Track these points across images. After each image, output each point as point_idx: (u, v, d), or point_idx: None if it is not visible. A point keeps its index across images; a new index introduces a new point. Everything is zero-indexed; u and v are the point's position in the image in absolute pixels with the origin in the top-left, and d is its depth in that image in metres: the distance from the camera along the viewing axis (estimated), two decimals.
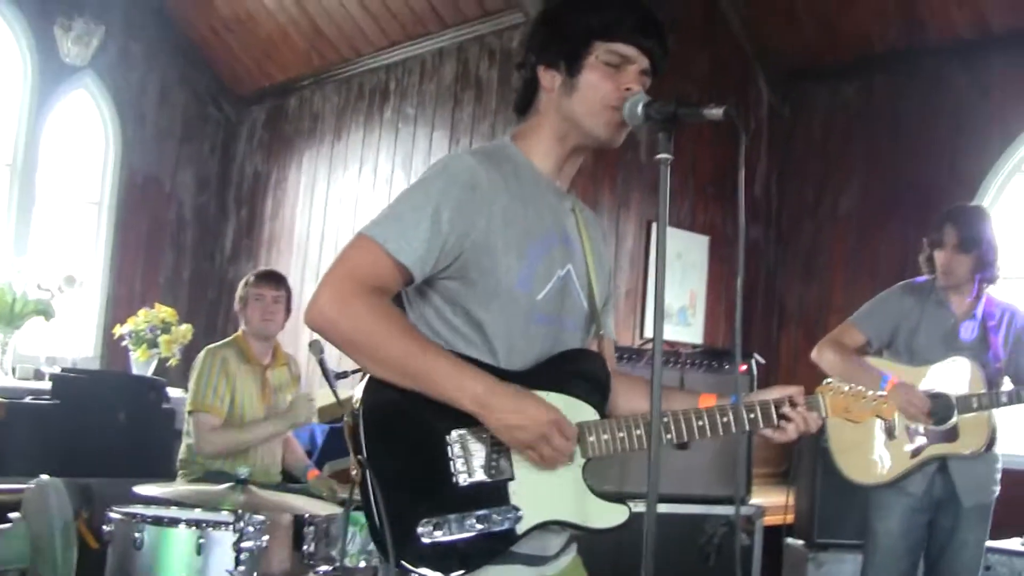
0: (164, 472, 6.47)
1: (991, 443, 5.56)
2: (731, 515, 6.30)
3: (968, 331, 5.65)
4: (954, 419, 5.43)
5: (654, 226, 8.86)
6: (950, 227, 5.59)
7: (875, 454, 5.63)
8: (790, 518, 7.39)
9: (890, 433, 5.58)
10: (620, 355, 5.88)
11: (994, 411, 5.52)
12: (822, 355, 5.72)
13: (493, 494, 2.68)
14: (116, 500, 4.99)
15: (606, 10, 2.90)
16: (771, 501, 7.20)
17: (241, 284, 6.53)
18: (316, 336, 2.91)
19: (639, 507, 2.64)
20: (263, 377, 6.38)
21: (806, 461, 7.32)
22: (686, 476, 6.22)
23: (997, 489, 5.62)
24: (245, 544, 4.61)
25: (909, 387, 5.40)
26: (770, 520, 7.05)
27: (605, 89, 2.84)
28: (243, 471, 4.76)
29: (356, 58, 10.45)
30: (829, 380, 3.17)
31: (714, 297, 9.49)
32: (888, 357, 5.79)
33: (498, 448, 2.71)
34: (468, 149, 2.85)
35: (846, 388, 3.12)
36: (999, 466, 5.65)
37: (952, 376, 5.53)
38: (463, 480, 2.67)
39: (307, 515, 5.01)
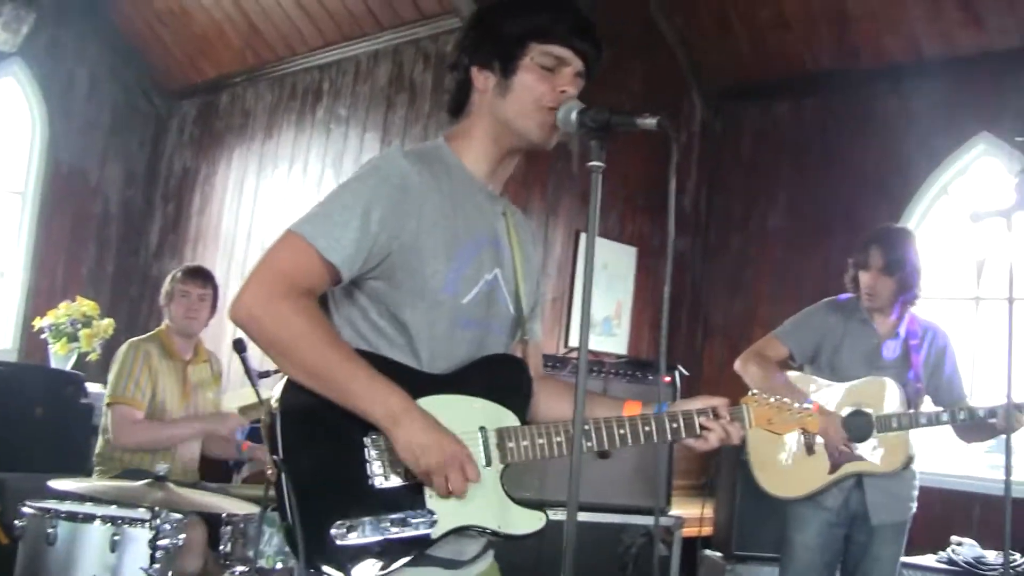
0: (81, 468, 6.40)
1: (908, 461, 5.57)
2: (650, 525, 6.31)
3: (891, 350, 5.68)
4: (873, 437, 5.45)
5: (583, 235, 8.89)
6: (875, 249, 5.61)
7: (794, 469, 5.64)
8: (708, 530, 7.43)
9: (809, 449, 5.58)
10: (544, 363, 5.87)
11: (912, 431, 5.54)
12: (745, 367, 5.70)
13: (409, 498, 2.66)
14: (30, 495, 4.91)
15: (541, 12, 2.90)
16: (690, 512, 7.23)
17: (168, 279, 6.47)
18: (240, 334, 2.88)
19: (559, 515, 2.64)
20: (184, 373, 6.32)
21: (725, 473, 7.37)
22: (606, 485, 6.23)
23: (914, 506, 5.64)
24: (161, 542, 4.55)
25: (830, 416, 5.45)
26: (688, 531, 7.09)
27: (540, 90, 2.84)
28: (162, 468, 4.71)
29: (291, 57, 10.42)
30: (754, 392, 3.18)
31: (640, 308, 9.51)
32: (810, 372, 5.80)
33: None
34: (400, 149, 2.82)
35: (771, 400, 3.13)
36: (916, 483, 5.67)
37: (873, 394, 5.55)
38: (379, 483, 2.64)
39: (224, 514, 4.97)
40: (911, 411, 5.48)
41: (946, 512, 7.63)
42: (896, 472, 5.53)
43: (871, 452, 5.51)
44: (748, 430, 3.06)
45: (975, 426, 5.44)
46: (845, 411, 5.54)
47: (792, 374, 5.82)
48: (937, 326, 5.83)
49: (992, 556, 6.67)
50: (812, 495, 5.57)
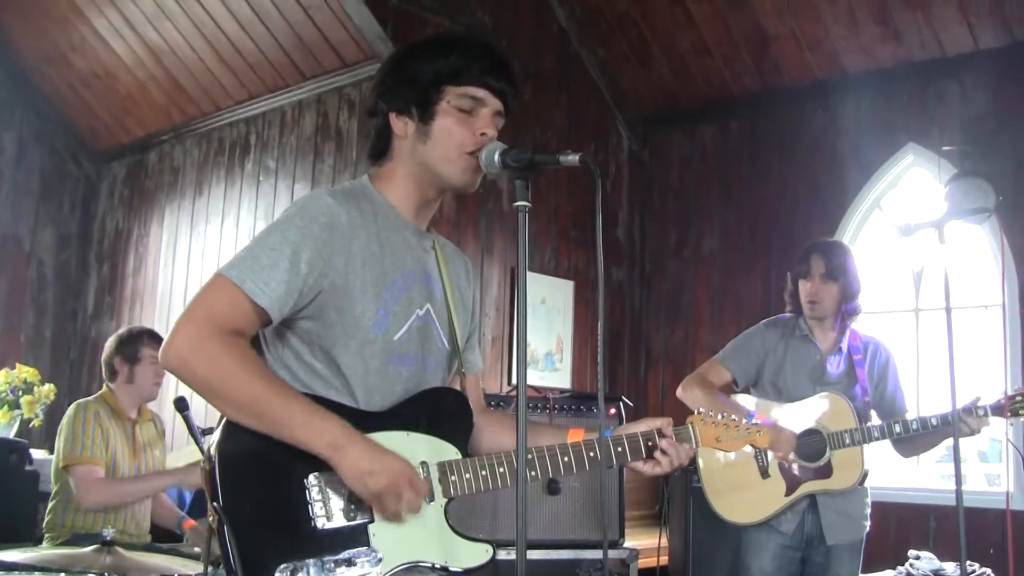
0: (29, 536, 6.32)
1: (863, 477, 5.48)
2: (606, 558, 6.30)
3: (835, 365, 5.64)
4: (827, 455, 5.37)
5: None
6: (816, 257, 5.59)
7: (750, 493, 5.50)
8: (664, 559, 7.42)
9: (764, 472, 5.47)
10: (487, 402, 5.85)
11: (865, 446, 5.44)
12: (688, 392, 5.61)
13: (352, 537, 2.66)
14: None
15: (454, 54, 2.90)
16: (645, 543, 7.21)
17: (125, 341, 6.34)
18: (182, 392, 2.88)
19: (511, 555, 2.64)
20: (132, 432, 6.26)
21: (677, 501, 7.35)
22: (558, 521, 6.20)
23: (867, 524, 5.60)
24: None
25: (775, 425, 5.32)
26: (644, 563, 7.07)
27: (460, 135, 2.85)
28: (108, 532, 4.66)
29: (216, 112, 10.41)
30: (700, 410, 3.18)
31: (580, 341, 9.52)
32: (755, 395, 5.75)
33: None
34: (326, 190, 2.83)
35: (718, 417, 3.14)
36: (868, 500, 5.63)
37: (823, 411, 5.46)
38: (321, 524, 2.64)
39: (174, 575, 4.93)
40: (863, 426, 5.40)
41: (902, 526, 7.68)
42: (852, 488, 5.43)
43: (827, 470, 5.42)
44: (697, 448, 3.07)
45: (921, 436, 5.38)
46: (798, 430, 5.43)
47: (744, 397, 5.76)
48: (879, 341, 5.82)
49: (951, 568, 6.71)
50: (769, 519, 5.46)
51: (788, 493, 5.43)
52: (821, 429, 5.41)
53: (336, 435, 2.60)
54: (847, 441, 5.34)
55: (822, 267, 5.57)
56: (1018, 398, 5.23)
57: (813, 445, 5.39)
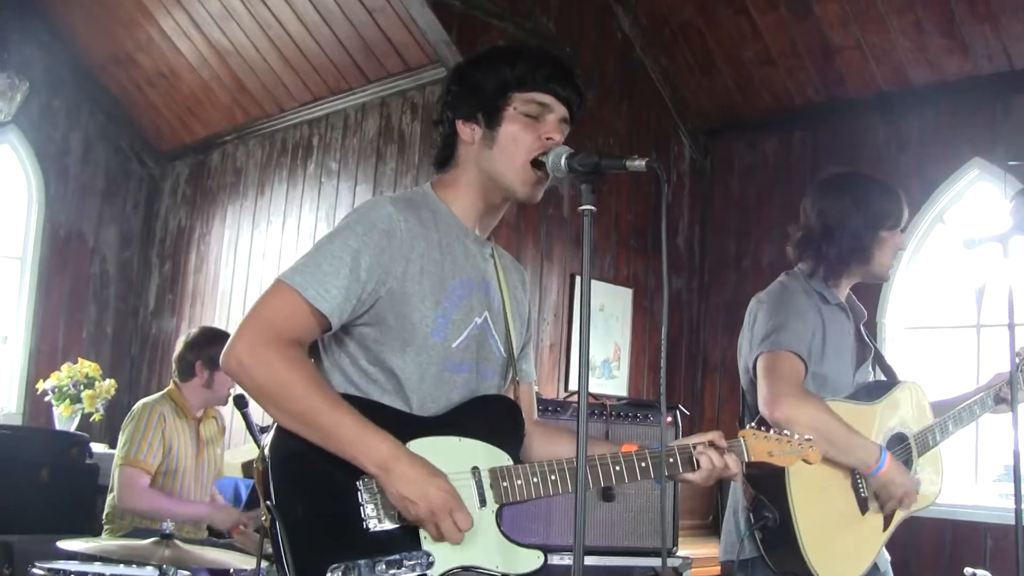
0: (88, 529, 6.38)
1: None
2: (657, 567, 6.29)
3: (862, 344, 4.46)
4: (915, 466, 4.27)
5: (578, 278, 8.90)
6: (905, 204, 4.45)
7: (850, 538, 4.12)
8: (717, 569, 7.40)
9: (863, 506, 4.11)
10: (544, 408, 5.86)
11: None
12: (803, 411, 3.88)
13: (404, 540, 2.68)
14: (39, 557, 4.91)
15: (521, 61, 2.94)
16: (698, 552, 7.20)
17: (204, 345, 6.26)
18: (241, 390, 2.90)
19: (565, 560, 2.64)
20: (196, 431, 6.30)
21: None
22: (612, 528, 6.20)
23: None
24: None
25: (901, 467, 4.12)
26: (697, 572, 7.06)
27: (526, 140, 2.88)
28: (167, 525, 4.72)
29: (279, 113, 10.48)
30: (751, 424, 3.18)
31: (638, 349, 9.50)
32: None
33: None
34: (387, 197, 2.86)
35: (769, 432, 3.14)
36: None
37: (903, 409, 4.35)
38: (373, 525, 2.66)
39: (231, 570, 4.98)
40: (939, 419, 4.38)
41: (957, 543, 7.62)
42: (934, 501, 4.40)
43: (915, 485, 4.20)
44: (788, 480, 3.05)
45: None
46: (882, 439, 4.20)
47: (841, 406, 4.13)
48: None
49: None
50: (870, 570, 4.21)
51: (885, 527, 4.24)
52: (907, 433, 4.31)
53: (384, 456, 2.62)
54: (930, 443, 4.34)
55: (906, 217, 4.48)
56: None
57: (900, 455, 4.23)
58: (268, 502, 2.61)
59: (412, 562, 2.66)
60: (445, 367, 2.86)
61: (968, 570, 6.48)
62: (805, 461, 3.26)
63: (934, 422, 4.37)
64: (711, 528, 8.38)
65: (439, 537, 2.67)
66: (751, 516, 4.01)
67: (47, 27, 11.21)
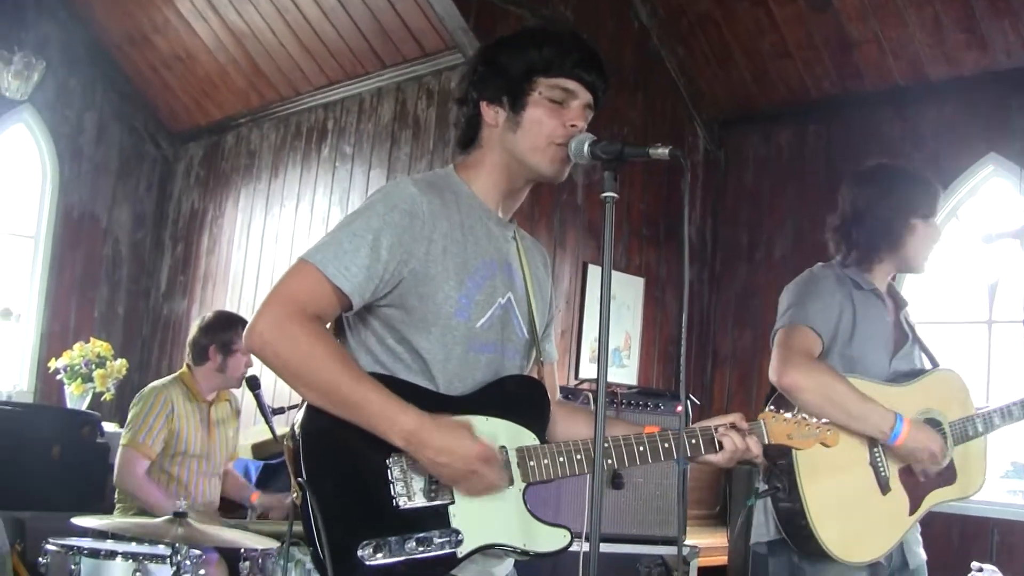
0: (99, 507, 6.41)
1: (984, 480, 4.40)
2: (665, 555, 6.29)
3: (901, 331, 4.41)
4: (949, 454, 4.11)
5: (590, 267, 8.94)
6: (941, 195, 4.46)
7: (869, 518, 4.02)
8: (724, 559, 7.42)
9: (884, 486, 4.04)
10: None
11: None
12: (810, 377, 3.90)
13: (433, 517, 2.69)
14: (52, 533, 4.93)
15: (548, 46, 2.94)
16: (705, 542, 7.21)
17: (218, 329, 6.28)
18: (253, 372, 2.92)
19: (572, 546, 2.67)
20: (207, 414, 6.31)
21: (740, 501, 7.33)
22: (620, 516, 6.22)
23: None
24: None
25: (922, 426, 4.04)
26: (704, 561, 7.07)
27: (550, 125, 2.89)
28: (181, 504, 4.73)
29: (295, 96, 10.50)
30: (771, 407, 3.20)
31: (648, 338, 9.52)
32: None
33: None
34: (410, 177, 2.87)
35: (788, 415, 3.16)
36: None
37: (937, 395, 4.24)
38: (403, 503, 2.67)
39: (243, 549, 4.99)
40: (988, 410, 4.26)
41: (964, 538, 7.62)
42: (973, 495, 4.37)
43: (951, 473, 4.22)
44: (796, 459, 3.06)
45: None
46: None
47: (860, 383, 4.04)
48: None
49: None
50: (891, 551, 4.12)
51: (912, 511, 4.13)
52: (941, 419, 4.19)
53: (411, 427, 2.63)
54: (970, 432, 4.21)
55: (940, 207, 4.42)
56: None
57: None
58: (299, 479, 2.62)
59: (441, 539, 2.67)
60: (470, 347, 2.87)
61: (975, 564, 6.50)
62: (824, 444, 3.27)
63: (977, 412, 4.26)
64: (718, 518, 8.41)
65: (479, 493, 2.70)
66: (764, 484, 4.02)
67: (64, 5, 11.24)
